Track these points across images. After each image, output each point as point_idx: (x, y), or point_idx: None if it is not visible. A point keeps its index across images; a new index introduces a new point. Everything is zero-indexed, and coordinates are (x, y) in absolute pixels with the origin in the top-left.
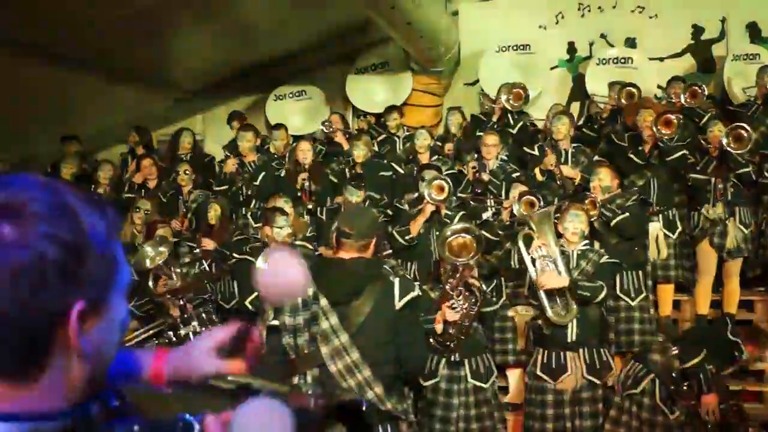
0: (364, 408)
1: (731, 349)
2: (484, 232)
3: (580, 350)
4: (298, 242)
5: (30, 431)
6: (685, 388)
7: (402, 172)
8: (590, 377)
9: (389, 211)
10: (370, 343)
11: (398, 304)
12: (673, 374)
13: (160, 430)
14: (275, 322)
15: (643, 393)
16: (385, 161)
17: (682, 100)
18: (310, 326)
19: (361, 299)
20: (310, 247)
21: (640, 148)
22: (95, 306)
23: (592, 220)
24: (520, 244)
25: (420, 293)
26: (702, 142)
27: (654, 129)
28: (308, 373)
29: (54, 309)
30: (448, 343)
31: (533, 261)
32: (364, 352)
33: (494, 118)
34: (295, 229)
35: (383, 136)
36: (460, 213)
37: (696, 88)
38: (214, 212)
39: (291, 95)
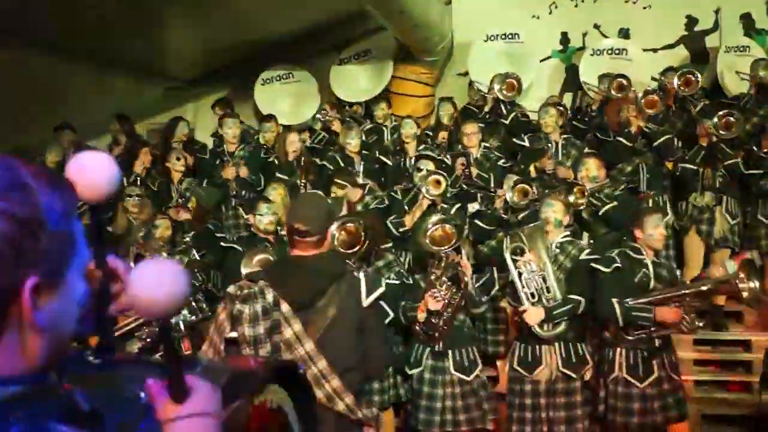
0: (300, 371)
1: None
2: (477, 222)
3: (556, 344)
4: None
5: None
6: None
7: (390, 163)
8: (565, 371)
9: (386, 201)
10: (338, 348)
11: (365, 302)
12: None
13: (113, 400)
14: (233, 335)
15: None
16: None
17: (675, 86)
18: (272, 336)
19: (325, 299)
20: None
21: (627, 130)
22: (49, 282)
23: (581, 209)
24: (507, 256)
25: (384, 289)
26: (694, 135)
27: (638, 109)
28: None
29: (6, 283)
30: (431, 332)
31: (519, 275)
32: (331, 358)
33: (486, 108)
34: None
35: (370, 125)
36: (457, 205)
37: (690, 75)
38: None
39: (278, 78)
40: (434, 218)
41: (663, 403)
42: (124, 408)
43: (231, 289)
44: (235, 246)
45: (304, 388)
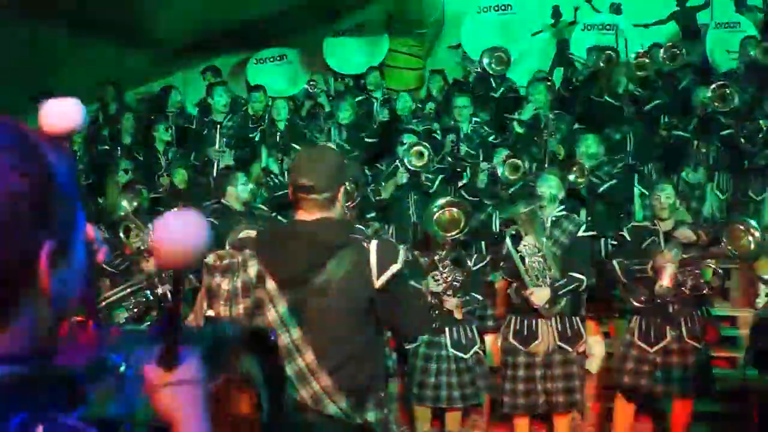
0: (272, 338)
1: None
2: (464, 194)
3: (552, 318)
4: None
5: (4, 376)
6: None
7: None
8: (562, 344)
9: (368, 173)
10: (332, 339)
11: (377, 283)
12: None
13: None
14: (210, 313)
15: None
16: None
17: (660, 59)
18: (253, 318)
19: (322, 276)
20: (265, 209)
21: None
22: (62, 248)
23: (580, 187)
24: (508, 241)
25: (402, 266)
26: (682, 108)
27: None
28: None
29: (26, 248)
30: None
31: (522, 259)
32: (322, 351)
33: (476, 82)
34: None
35: (361, 97)
36: (440, 176)
37: (675, 49)
38: (180, 176)
39: (272, 59)
40: (441, 201)
41: (667, 375)
42: (105, 379)
43: (210, 258)
44: (212, 220)
45: (277, 356)
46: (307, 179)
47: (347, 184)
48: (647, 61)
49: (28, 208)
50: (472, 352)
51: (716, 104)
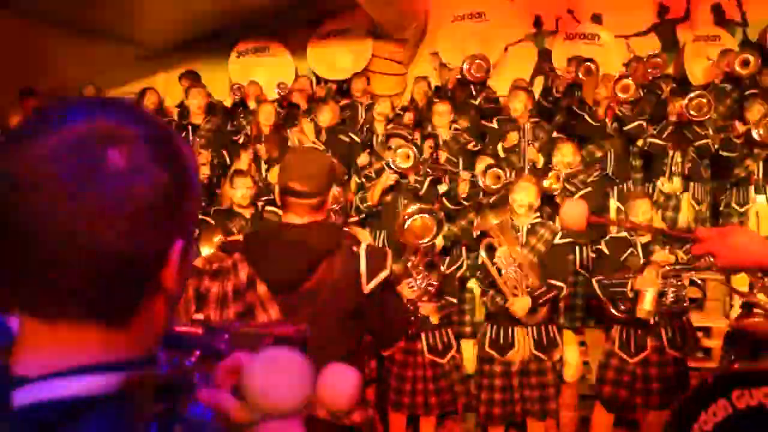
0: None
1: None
2: (446, 202)
3: (528, 326)
4: (268, 207)
5: (124, 381)
6: None
7: (358, 140)
8: (537, 353)
9: (356, 179)
10: (321, 343)
11: (366, 288)
12: None
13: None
14: (199, 316)
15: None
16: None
17: (642, 71)
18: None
19: (312, 280)
20: (279, 212)
21: (598, 119)
22: (187, 247)
23: (555, 194)
24: (483, 254)
25: (390, 272)
26: (662, 119)
27: (611, 93)
28: None
29: (160, 245)
30: None
31: (499, 272)
32: (313, 355)
33: (456, 90)
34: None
35: (345, 102)
36: (428, 179)
37: (657, 59)
38: None
39: (253, 51)
40: (412, 208)
41: (646, 386)
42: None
43: (198, 262)
44: (209, 219)
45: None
46: (298, 184)
47: (334, 187)
48: (630, 83)
49: (166, 204)
50: (448, 356)
51: (692, 113)
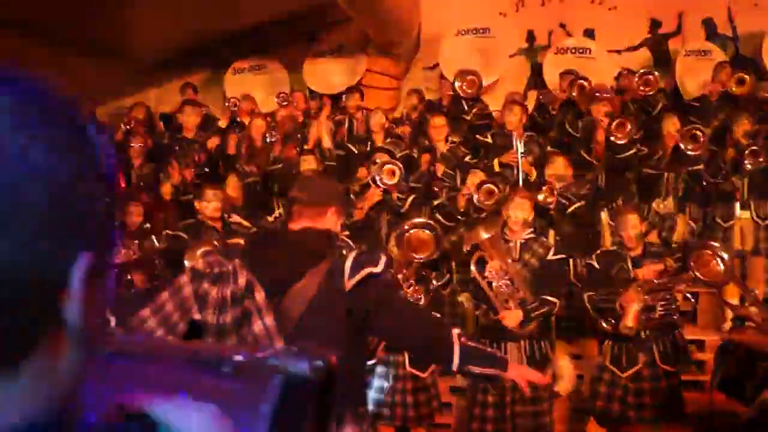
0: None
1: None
2: (438, 216)
3: (521, 341)
4: (232, 219)
5: None
6: None
7: (356, 151)
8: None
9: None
10: (314, 342)
11: (348, 284)
12: None
13: None
14: (197, 317)
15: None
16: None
17: (634, 86)
18: (240, 327)
19: (302, 282)
20: (246, 224)
21: (591, 145)
22: (99, 265)
23: (549, 207)
24: (473, 268)
25: (380, 270)
26: (654, 134)
27: (606, 130)
28: None
29: (56, 260)
30: None
31: (489, 285)
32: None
33: (444, 102)
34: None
35: (340, 116)
36: (411, 197)
37: (649, 76)
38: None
39: (250, 69)
40: (417, 220)
41: (639, 401)
42: None
43: (200, 265)
44: (181, 234)
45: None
46: (301, 192)
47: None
48: (627, 123)
49: (67, 208)
50: (430, 371)
51: (687, 147)
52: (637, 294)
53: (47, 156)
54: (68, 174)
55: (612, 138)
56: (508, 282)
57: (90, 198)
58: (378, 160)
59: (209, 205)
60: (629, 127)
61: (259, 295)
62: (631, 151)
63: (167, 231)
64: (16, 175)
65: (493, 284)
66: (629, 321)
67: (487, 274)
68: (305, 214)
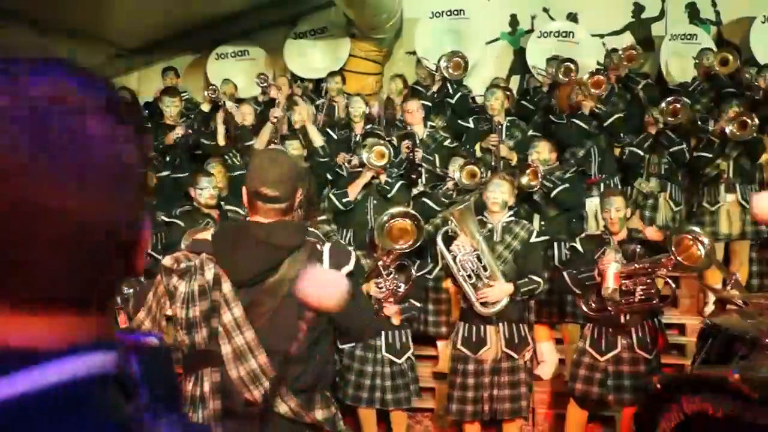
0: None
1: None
2: (425, 200)
3: (500, 324)
4: (228, 207)
5: (114, 361)
6: None
7: (335, 137)
8: (508, 351)
9: (329, 175)
10: (284, 339)
11: None
12: None
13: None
14: (168, 312)
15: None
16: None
17: (618, 60)
18: (209, 320)
19: (276, 277)
20: (242, 212)
21: (580, 112)
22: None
23: (533, 191)
24: (440, 242)
25: (353, 268)
26: (640, 112)
27: (586, 90)
28: (206, 378)
29: (135, 224)
30: None
31: (454, 258)
32: (274, 351)
33: (434, 88)
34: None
35: (321, 101)
36: (399, 182)
37: (632, 51)
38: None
39: (233, 55)
40: (397, 210)
41: (618, 383)
42: None
43: (167, 261)
44: (177, 221)
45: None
46: (269, 189)
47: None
48: (602, 78)
49: (138, 183)
50: (405, 357)
51: (669, 119)
52: (612, 256)
53: (129, 145)
54: (139, 158)
55: (592, 93)
56: (473, 258)
57: (145, 178)
58: (367, 143)
59: (203, 192)
60: (603, 78)
61: (226, 287)
62: (617, 116)
63: (163, 218)
64: (121, 159)
65: (458, 257)
66: (610, 282)
67: (452, 248)
68: (276, 210)
